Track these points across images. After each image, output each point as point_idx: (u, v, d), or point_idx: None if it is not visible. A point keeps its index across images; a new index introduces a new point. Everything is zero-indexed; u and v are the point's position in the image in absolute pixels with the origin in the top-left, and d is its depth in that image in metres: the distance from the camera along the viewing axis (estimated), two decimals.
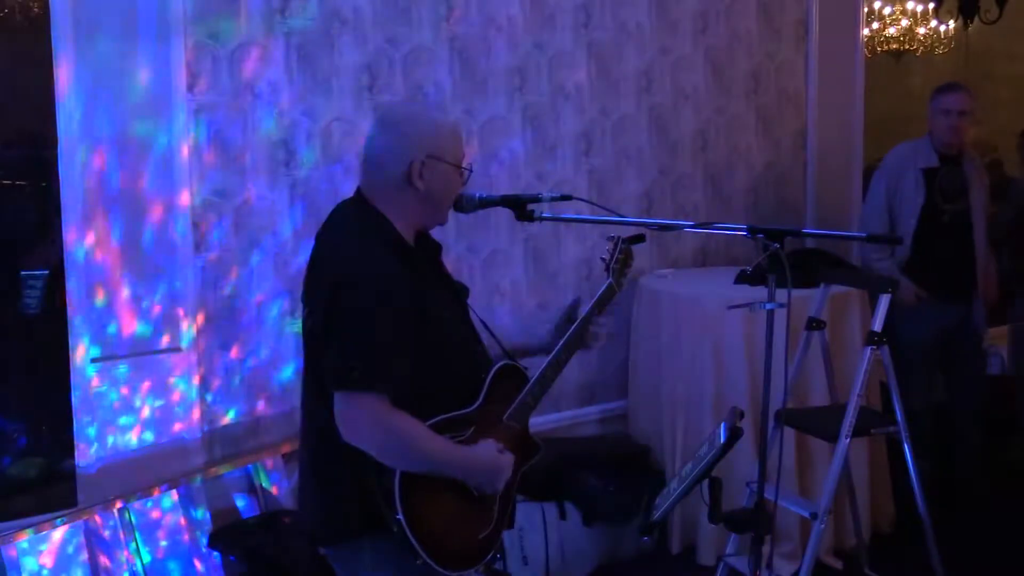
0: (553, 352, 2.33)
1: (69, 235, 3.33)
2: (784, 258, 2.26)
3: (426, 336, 2.07)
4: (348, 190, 3.79)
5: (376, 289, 2.02)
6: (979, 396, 4.63)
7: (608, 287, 2.44)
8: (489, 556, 2.18)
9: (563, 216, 2.47)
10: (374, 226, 2.14)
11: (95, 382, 3.37)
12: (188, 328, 3.53)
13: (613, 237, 2.48)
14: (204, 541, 3.43)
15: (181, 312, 3.52)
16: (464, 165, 2.22)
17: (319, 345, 2.07)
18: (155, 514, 3.40)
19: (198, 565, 3.43)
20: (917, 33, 8.06)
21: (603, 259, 2.47)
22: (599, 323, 2.40)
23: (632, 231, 2.50)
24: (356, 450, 2.01)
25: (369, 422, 1.99)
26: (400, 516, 1.99)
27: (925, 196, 4.34)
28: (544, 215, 2.34)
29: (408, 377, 2.03)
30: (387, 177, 2.15)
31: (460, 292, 2.36)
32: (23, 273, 4.61)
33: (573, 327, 2.36)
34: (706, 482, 2.09)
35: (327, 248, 2.16)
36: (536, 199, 2.34)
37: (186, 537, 3.44)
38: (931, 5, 8.06)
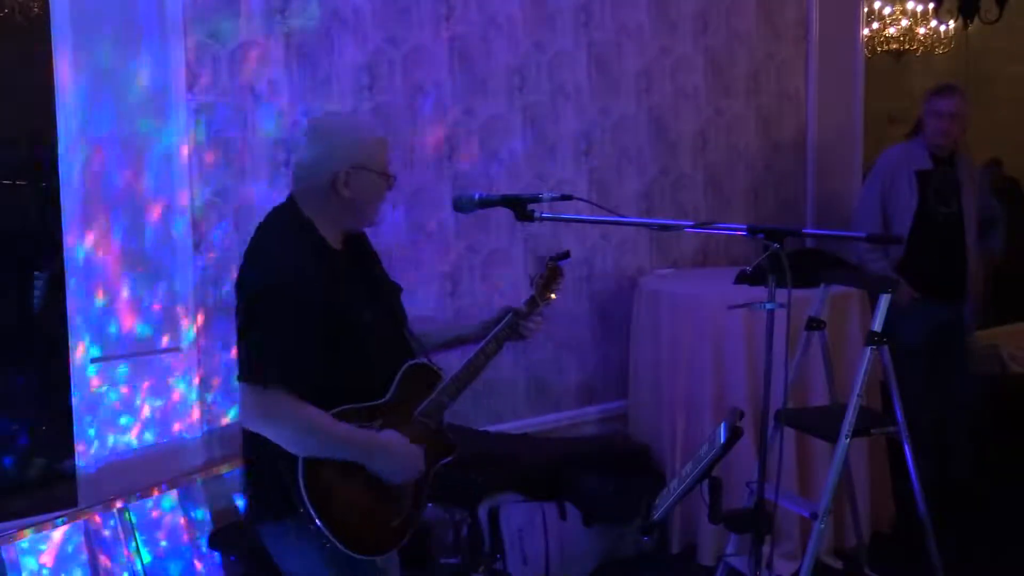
0: (473, 353, 2.47)
1: (69, 235, 3.33)
2: (784, 258, 2.26)
3: (336, 334, 2.21)
4: None
5: (282, 290, 2.17)
6: (971, 396, 4.64)
7: (529, 300, 2.60)
8: (404, 542, 2.30)
9: (563, 216, 2.49)
10: (297, 230, 2.28)
11: (95, 382, 3.37)
12: (188, 328, 3.53)
13: (542, 257, 2.65)
14: (204, 541, 3.43)
15: (181, 312, 3.52)
16: (389, 172, 2.35)
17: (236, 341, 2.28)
18: (155, 514, 3.40)
19: (198, 565, 3.43)
20: (917, 33, 8.07)
21: (530, 275, 2.64)
22: (529, 324, 2.56)
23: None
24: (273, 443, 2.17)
25: (269, 411, 2.15)
26: (314, 514, 2.12)
27: (919, 198, 4.34)
28: (544, 215, 2.35)
29: (311, 372, 2.17)
30: (314, 185, 2.29)
31: (389, 291, 2.48)
32: (23, 273, 4.62)
33: (489, 335, 2.51)
34: (706, 482, 2.09)
35: (249, 251, 2.32)
36: (536, 199, 2.36)
37: (186, 537, 3.44)
38: (931, 5, 8.07)
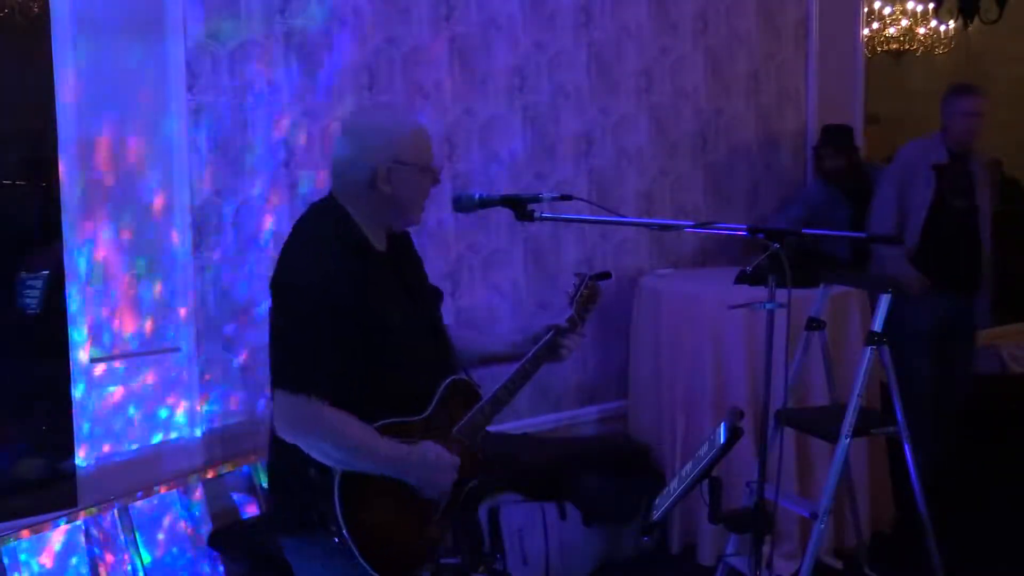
0: (512, 373, 2.34)
1: (69, 235, 3.33)
2: (784, 258, 2.26)
3: (373, 340, 2.11)
4: None
5: (319, 292, 2.06)
6: (964, 395, 4.64)
7: (568, 318, 2.43)
8: (429, 561, 2.21)
9: (563, 216, 2.48)
10: (339, 229, 2.17)
11: (95, 382, 3.37)
12: (188, 328, 3.52)
13: (580, 273, 2.51)
14: (204, 541, 3.42)
15: (181, 312, 3.52)
16: (432, 167, 2.25)
17: (271, 345, 2.14)
18: (155, 514, 3.40)
19: (198, 565, 3.43)
20: (917, 33, 8.07)
21: (568, 292, 2.47)
22: (567, 342, 2.40)
23: (600, 267, 2.50)
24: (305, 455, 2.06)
25: (307, 422, 2.04)
26: (346, 533, 2.03)
27: (935, 191, 4.37)
28: (544, 215, 2.34)
29: (352, 382, 2.07)
30: (354, 181, 2.19)
31: (429, 298, 2.37)
32: (23, 273, 4.61)
33: (529, 354, 2.36)
34: (706, 482, 2.09)
35: (287, 248, 2.21)
36: (536, 199, 2.34)
37: (186, 537, 3.44)
38: (931, 5, 8.07)
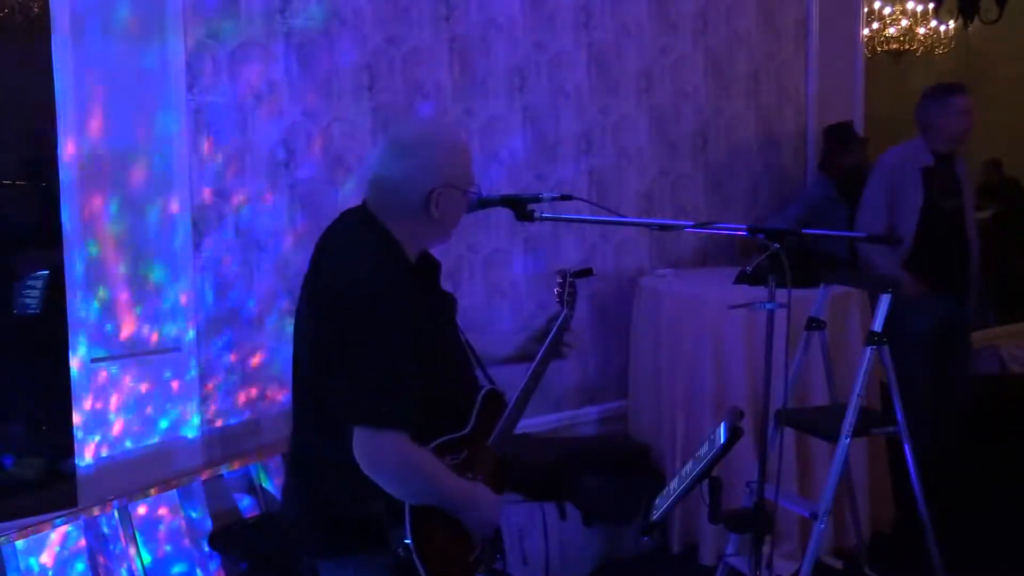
0: (526, 377, 2.32)
1: (69, 235, 3.33)
2: (784, 258, 2.26)
3: (432, 364, 2.07)
4: (348, 190, 3.82)
5: (395, 314, 1.99)
6: (964, 396, 4.65)
7: (564, 317, 2.43)
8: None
9: (563, 216, 2.48)
10: (385, 245, 2.10)
11: (95, 382, 3.37)
12: (188, 328, 3.52)
13: (562, 271, 2.50)
14: (204, 541, 3.43)
15: (181, 312, 3.52)
16: (472, 189, 2.20)
17: (326, 363, 2.03)
18: (155, 514, 3.40)
19: (198, 565, 3.43)
20: (917, 33, 8.06)
21: (556, 291, 2.47)
22: (568, 339, 2.40)
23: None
24: (357, 469, 1.99)
25: (392, 459, 1.99)
26: (409, 540, 2.00)
27: (925, 194, 4.37)
28: (544, 215, 2.34)
29: (418, 405, 2.01)
30: (402, 202, 2.11)
31: (453, 308, 2.34)
32: (23, 273, 4.62)
33: (539, 355, 2.35)
34: (706, 482, 2.09)
35: (339, 260, 2.10)
36: (536, 199, 2.34)
37: (186, 537, 3.44)
38: (931, 5, 8.07)
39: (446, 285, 4.05)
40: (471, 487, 2.12)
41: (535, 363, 2.33)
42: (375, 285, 2.01)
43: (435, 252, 2.30)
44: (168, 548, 3.41)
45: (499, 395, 2.29)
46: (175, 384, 3.51)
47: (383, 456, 1.98)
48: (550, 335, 2.36)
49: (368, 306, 1.99)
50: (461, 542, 2.15)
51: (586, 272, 2.54)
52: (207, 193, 3.57)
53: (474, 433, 2.18)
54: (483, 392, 2.24)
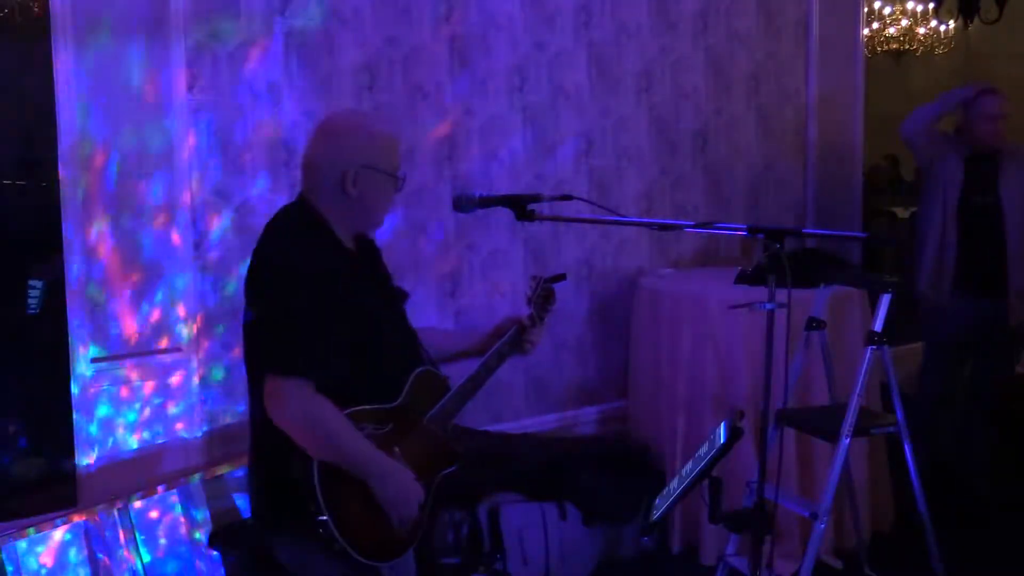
0: (477, 366, 2.46)
1: (69, 235, 3.33)
2: (784, 258, 2.26)
3: (355, 332, 2.19)
4: None
5: (309, 282, 2.13)
6: (995, 394, 4.59)
7: (528, 316, 2.58)
8: (411, 548, 2.27)
9: (563, 216, 2.49)
10: (313, 228, 2.25)
11: (95, 382, 3.37)
12: (188, 328, 3.53)
13: (536, 277, 2.64)
14: (204, 541, 3.43)
15: (181, 312, 3.52)
16: (398, 174, 2.32)
17: (254, 333, 2.20)
18: (155, 514, 3.40)
19: (198, 565, 3.43)
20: (917, 33, 8.08)
21: (526, 294, 2.61)
22: (531, 337, 2.56)
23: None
24: (289, 442, 2.11)
25: (293, 404, 2.09)
26: (325, 517, 2.08)
27: (961, 187, 4.31)
28: (544, 215, 2.34)
29: (331, 366, 2.13)
30: (323, 183, 2.26)
31: (397, 296, 2.47)
32: (23, 273, 4.61)
33: (491, 350, 2.49)
34: (706, 482, 2.09)
35: (267, 246, 2.25)
36: (536, 199, 2.36)
37: (186, 537, 3.44)
38: (931, 5, 8.07)
39: (447, 285, 4.06)
40: (382, 457, 2.19)
41: (486, 357, 2.47)
42: (290, 252, 2.18)
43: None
44: (168, 548, 3.40)
45: (437, 377, 2.41)
46: (175, 383, 3.52)
47: (286, 402, 2.09)
48: (506, 334, 2.51)
49: (279, 263, 2.17)
50: (379, 519, 2.19)
51: (559, 277, 2.65)
52: (207, 193, 3.57)
53: (403, 408, 2.27)
54: (418, 370, 2.33)
